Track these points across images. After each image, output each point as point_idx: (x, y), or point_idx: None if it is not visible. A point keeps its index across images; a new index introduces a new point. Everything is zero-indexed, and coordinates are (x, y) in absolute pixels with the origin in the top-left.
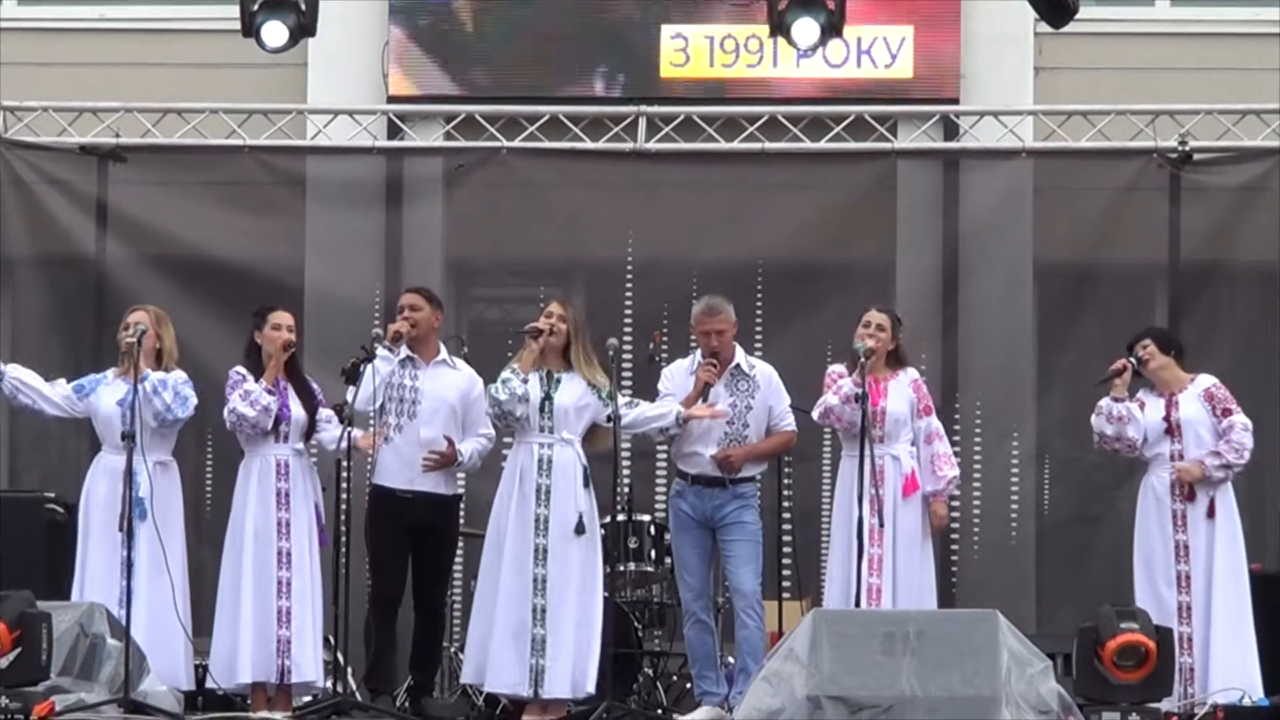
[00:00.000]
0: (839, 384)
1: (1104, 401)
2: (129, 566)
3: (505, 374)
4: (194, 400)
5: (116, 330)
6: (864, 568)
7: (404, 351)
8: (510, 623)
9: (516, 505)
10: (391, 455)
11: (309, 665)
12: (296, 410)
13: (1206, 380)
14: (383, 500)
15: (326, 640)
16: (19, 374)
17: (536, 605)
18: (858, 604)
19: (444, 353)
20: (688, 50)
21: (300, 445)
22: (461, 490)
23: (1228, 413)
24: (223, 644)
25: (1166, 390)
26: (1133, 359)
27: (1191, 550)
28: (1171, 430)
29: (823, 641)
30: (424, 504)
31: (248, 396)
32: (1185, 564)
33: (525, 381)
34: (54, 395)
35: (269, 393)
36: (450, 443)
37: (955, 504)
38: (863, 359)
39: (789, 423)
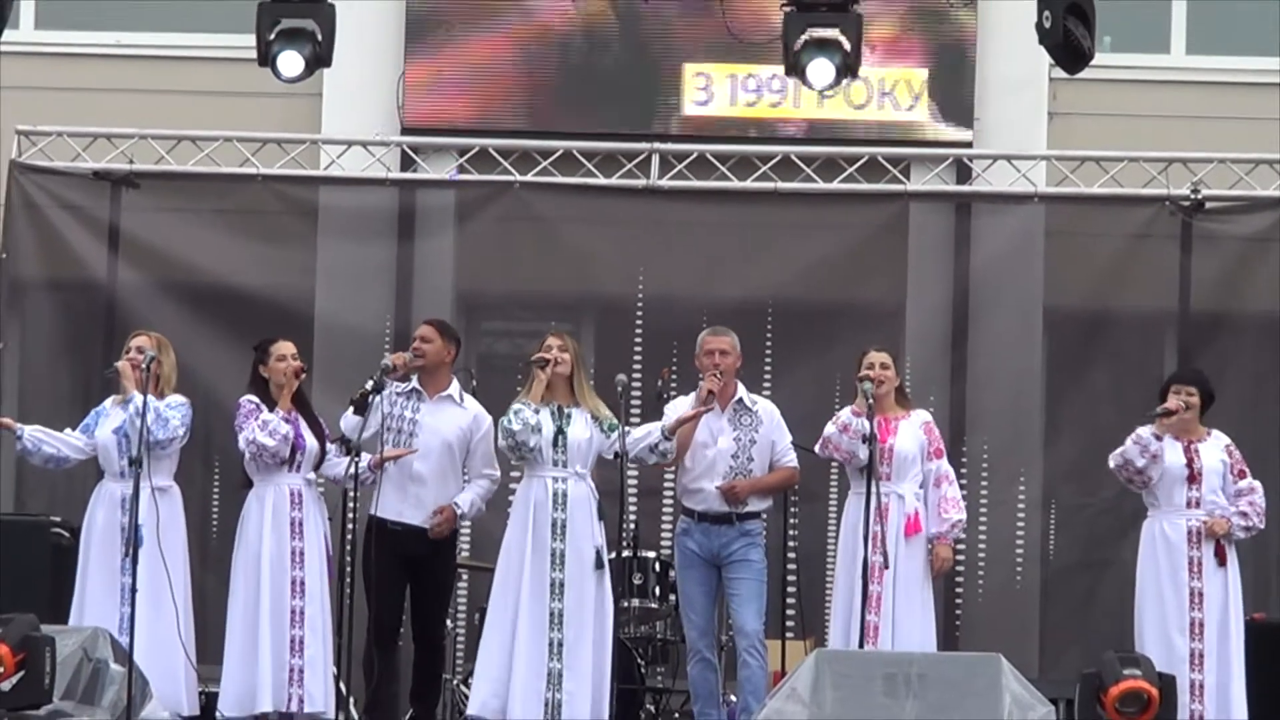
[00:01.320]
0: (838, 414)
1: (1146, 433)
2: (132, 593)
3: (516, 405)
4: (176, 423)
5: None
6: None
7: (412, 383)
8: (526, 657)
9: (532, 539)
10: (385, 486)
11: (320, 695)
12: (310, 440)
13: (1224, 438)
14: (377, 531)
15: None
16: (37, 430)
17: (554, 639)
18: (860, 644)
19: (453, 388)
20: (710, 89)
21: (311, 475)
22: (465, 523)
23: (1243, 474)
24: (235, 673)
25: (1186, 438)
26: (1182, 402)
27: (1206, 597)
28: (1193, 477)
29: (825, 682)
30: (416, 537)
31: (266, 426)
32: (1199, 611)
33: (537, 412)
34: (74, 442)
35: (286, 421)
36: (446, 509)
37: (960, 547)
38: (869, 399)
39: (791, 459)
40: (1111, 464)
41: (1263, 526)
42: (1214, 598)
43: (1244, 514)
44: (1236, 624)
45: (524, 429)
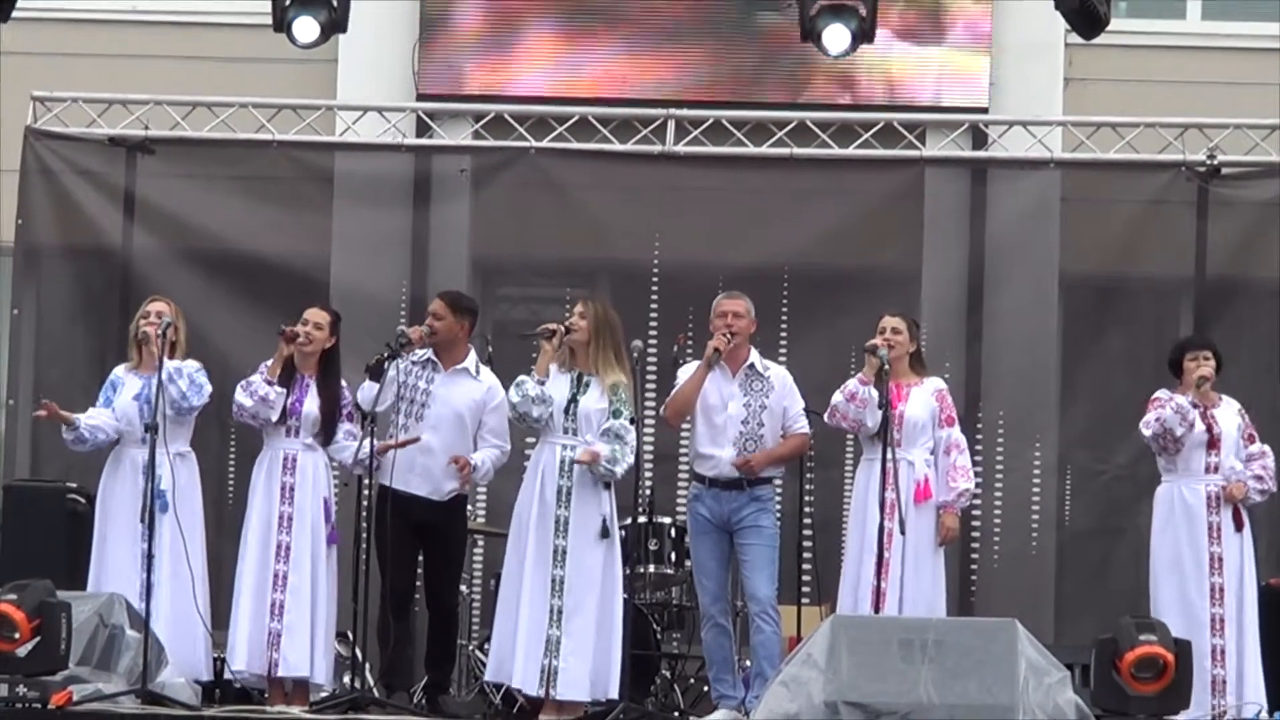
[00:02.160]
0: (847, 382)
1: (1184, 400)
2: (149, 559)
3: (521, 377)
4: (209, 388)
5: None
6: (870, 570)
7: (428, 353)
8: (527, 622)
9: (537, 506)
10: (394, 456)
11: (300, 660)
12: (309, 406)
13: (1234, 403)
14: (386, 498)
15: (344, 636)
16: (90, 419)
17: (554, 606)
18: (861, 607)
19: (469, 360)
20: None
21: (311, 440)
22: (481, 488)
23: (1253, 439)
24: (232, 635)
25: (1203, 403)
26: (1201, 375)
27: (1225, 562)
28: (1213, 442)
29: (841, 647)
30: (426, 505)
31: (247, 386)
32: (1219, 576)
33: (541, 383)
34: (111, 419)
35: (269, 383)
36: (463, 459)
37: (976, 512)
38: (886, 365)
39: (802, 425)
40: (1148, 431)
41: (1275, 489)
42: (1232, 562)
43: (1259, 478)
44: (1251, 589)
45: (523, 401)
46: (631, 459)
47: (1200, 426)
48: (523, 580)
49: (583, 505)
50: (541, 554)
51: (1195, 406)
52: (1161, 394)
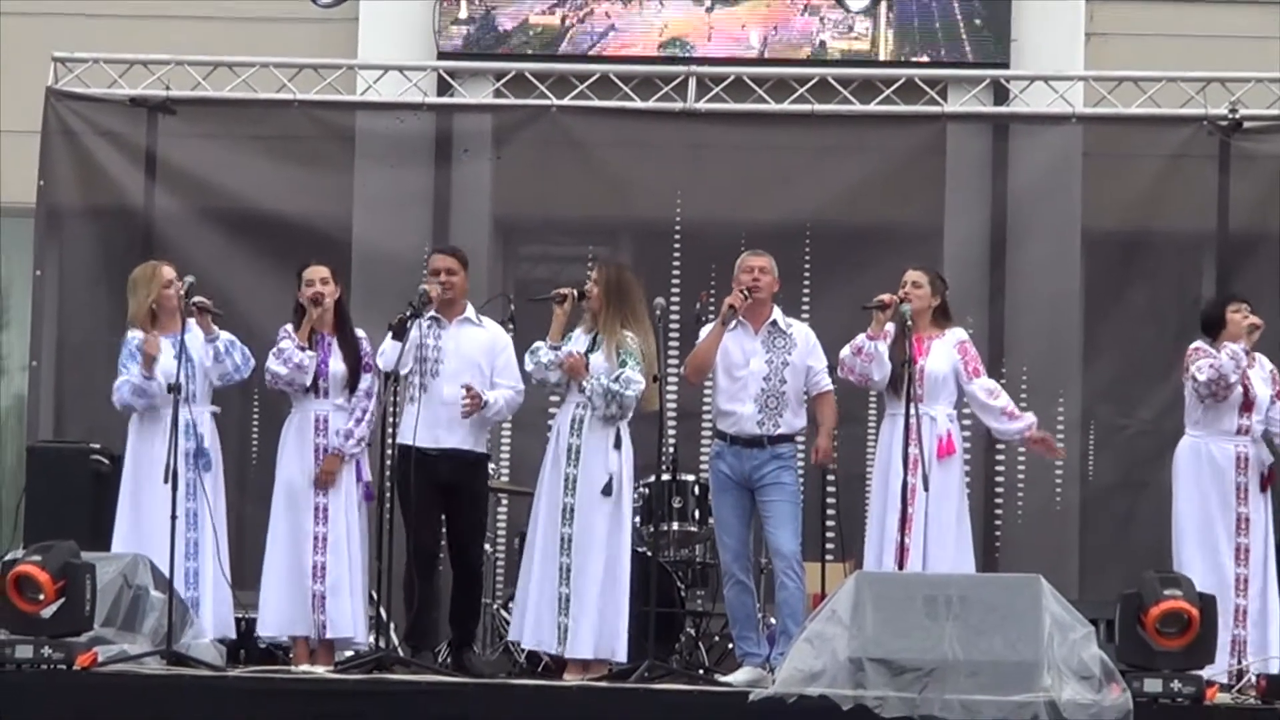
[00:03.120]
0: (855, 338)
1: (1239, 347)
2: (194, 517)
3: (536, 343)
4: (253, 361)
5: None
6: (894, 525)
7: (431, 310)
8: (541, 580)
9: (551, 464)
10: (413, 414)
11: (345, 621)
12: (335, 365)
13: (1269, 365)
14: (410, 458)
15: (369, 596)
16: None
17: (563, 564)
18: (900, 566)
19: (469, 310)
20: None
21: (340, 400)
22: (505, 447)
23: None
24: (269, 597)
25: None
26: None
27: (1251, 523)
28: (1249, 404)
29: (866, 604)
30: (451, 462)
31: (281, 354)
32: (1245, 537)
33: (555, 348)
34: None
35: (301, 349)
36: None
37: (1000, 468)
38: (909, 320)
39: (826, 382)
40: (1202, 376)
41: None
42: (1258, 524)
43: None
44: (1271, 550)
45: (537, 368)
46: (630, 401)
47: (1239, 386)
48: (537, 539)
49: (591, 463)
50: (551, 513)
51: (1248, 353)
52: (1201, 344)
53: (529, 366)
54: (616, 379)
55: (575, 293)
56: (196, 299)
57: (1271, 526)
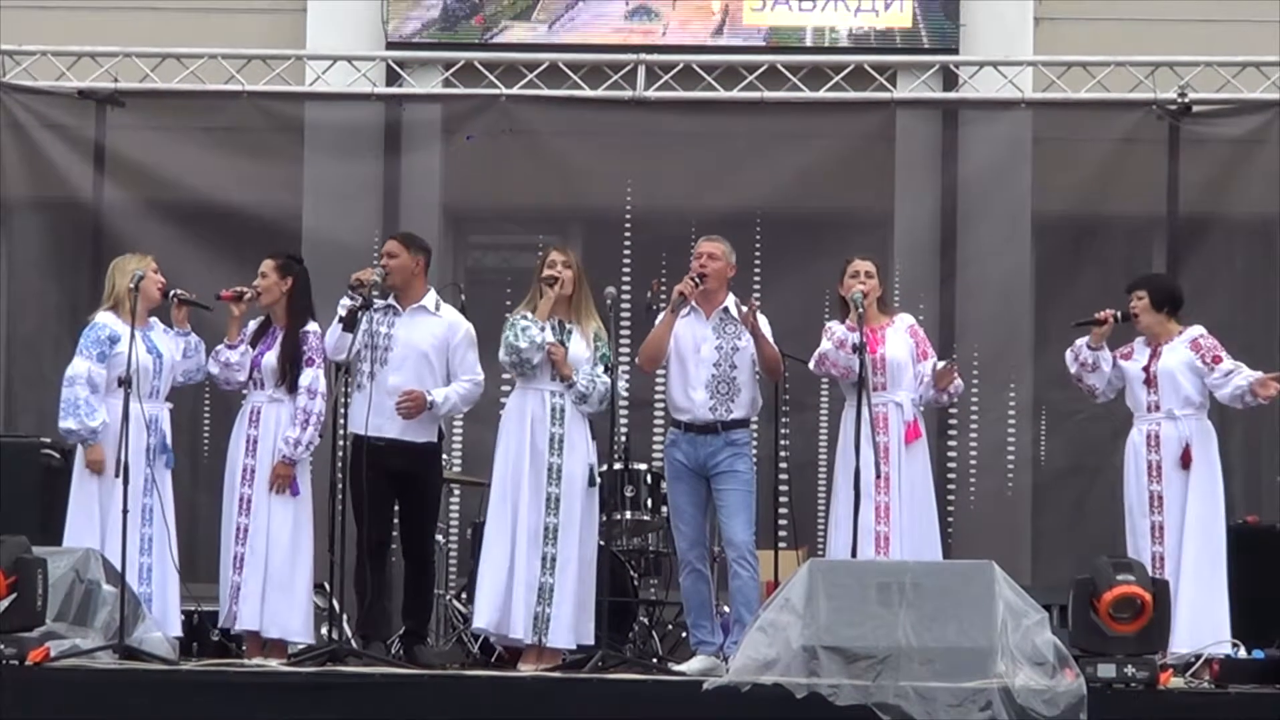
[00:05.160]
0: (830, 328)
1: (1079, 343)
2: (149, 513)
3: (524, 321)
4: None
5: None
6: (870, 516)
7: (389, 299)
8: (523, 571)
9: (530, 453)
10: (363, 402)
11: (251, 615)
12: (268, 358)
13: (1195, 330)
14: (359, 447)
15: (321, 588)
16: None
17: (547, 554)
18: (857, 553)
19: (428, 299)
20: None
21: (276, 392)
22: (457, 437)
23: (1218, 360)
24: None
25: (1154, 341)
26: (1117, 314)
27: (1165, 501)
28: (1149, 381)
29: (819, 592)
30: (399, 452)
31: (217, 355)
32: (1159, 514)
33: (542, 329)
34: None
35: (230, 347)
36: (415, 393)
37: (952, 454)
38: (859, 308)
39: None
40: (1070, 369)
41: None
42: (1174, 501)
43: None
44: (1194, 527)
45: (530, 347)
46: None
47: (1139, 365)
48: (516, 528)
49: (573, 453)
50: (535, 502)
51: (1093, 349)
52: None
53: (522, 344)
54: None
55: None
56: (179, 292)
57: (1206, 502)
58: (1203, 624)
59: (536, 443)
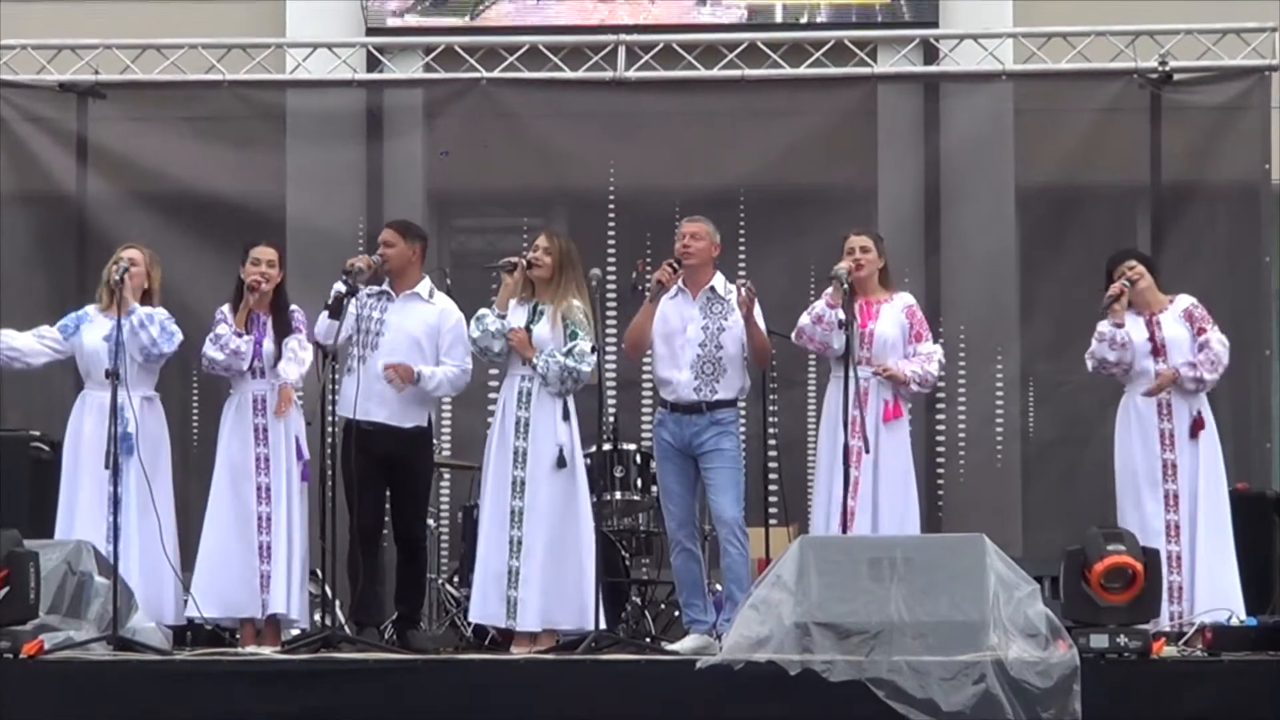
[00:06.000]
0: (813, 304)
1: (1105, 327)
2: (116, 503)
3: (482, 310)
4: (179, 336)
5: (100, 266)
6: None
7: (384, 285)
8: (491, 555)
9: (498, 437)
10: (353, 387)
11: (283, 598)
12: (269, 345)
13: (1185, 300)
14: (349, 432)
15: (314, 574)
16: (5, 340)
17: (513, 537)
18: (844, 530)
19: (421, 286)
20: None
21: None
22: (446, 421)
23: (1203, 330)
24: (205, 577)
25: (1148, 310)
26: (1125, 282)
27: (1179, 469)
28: (1157, 350)
29: (810, 568)
30: (388, 436)
31: (217, 341)
32: (1173, 483)
33: (502, 317)
34: (40, 346)
35: (238, 335)
36: (403, 365)
37: (940, 427)
38: (845, 285)
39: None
40: (1089, 367)
41: (1216, 376)
42: (1185, 469)
43: (1193, 364)
44: (1208, 495)
45: (484, 335)
46: (586, 375)
47: (1143, 335)
48: (486, 514)
49: (540, 436)
50: (500, 486)
51: (1119, 326)
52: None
53: (474, 333)
54: (569, 353)
55: (525, 262)
56: (124, 267)
57: (1216, 470)
58: (1217, 590)
59: (505, 427)
